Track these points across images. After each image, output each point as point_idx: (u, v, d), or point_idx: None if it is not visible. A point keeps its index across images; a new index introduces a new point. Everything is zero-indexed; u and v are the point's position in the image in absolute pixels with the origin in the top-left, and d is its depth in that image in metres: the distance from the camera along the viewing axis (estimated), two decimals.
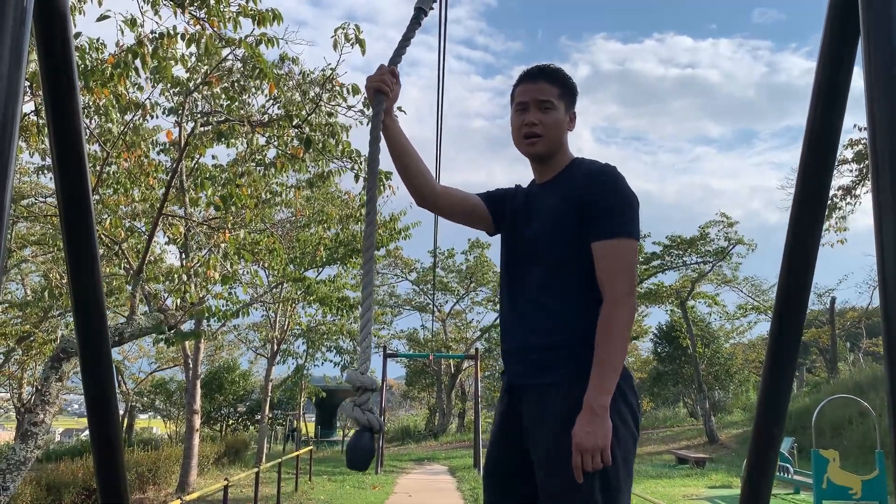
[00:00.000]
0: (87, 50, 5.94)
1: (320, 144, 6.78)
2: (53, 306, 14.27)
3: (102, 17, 5.24)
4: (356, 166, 7.42)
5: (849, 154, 16.94)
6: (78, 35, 5.81)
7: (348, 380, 1.94)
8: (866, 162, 16.34)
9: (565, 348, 2.08)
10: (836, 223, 17.08)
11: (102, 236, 7.41)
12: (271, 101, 7.37)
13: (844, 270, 56.96)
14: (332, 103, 6.98)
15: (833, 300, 30.29)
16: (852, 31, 1.47)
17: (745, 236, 25.60)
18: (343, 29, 6.05)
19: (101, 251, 8.68)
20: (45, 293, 12.53)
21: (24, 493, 10.79)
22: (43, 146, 7.07)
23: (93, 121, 7.21)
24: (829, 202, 17.19)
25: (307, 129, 6.84)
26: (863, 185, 16.70)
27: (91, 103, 6.69)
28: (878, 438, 12.00)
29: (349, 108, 6.88)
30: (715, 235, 25.98)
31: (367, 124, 6.91)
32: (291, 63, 7.56)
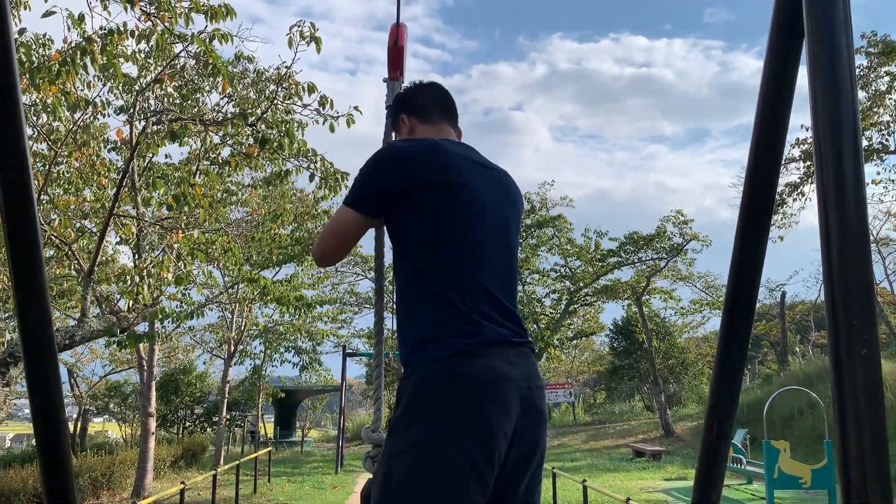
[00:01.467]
0: (34, 46, 5.78)
1: (276, 143, 6.70)
2: (1, 309, 13.87)
3: (48, 13, 5.10)
4: (312, 165, 7.35)
5: (796, 153, 17.40)
6: (23, 31, 5.66)
7: (365, 438, 2.12)
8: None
9: (408, 365, 1.97)
10: (783, 219, 17.54)
11: (52, 237, 7.22)
12: (226, 100, 7.27)
13: (795, 265, 58.58)
14: (288, 101, 6.91)
15: (783, 294, 31.09)
16: (797, 31, 1.50)
17: (700, 233, 26.11)
18: (298, 27, 6.00)
19: (50, 252, 8.48)
20: None
21: None
22: None
23: (40, 119, 7.03)
24: (778, 199, 17.64)
25: (262, 127, 6.76)
26: (810, 182, 17.14)
27: (38, 101, 6.52)
28: (827, 428, 12.34)
29: (304, 106, 6.82)
30: (670, 232, 26.45)
31: (324, 123, 6.88)
32: (247, 62, 7.48)
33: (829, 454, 11.26)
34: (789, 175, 17.96)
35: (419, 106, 2.31)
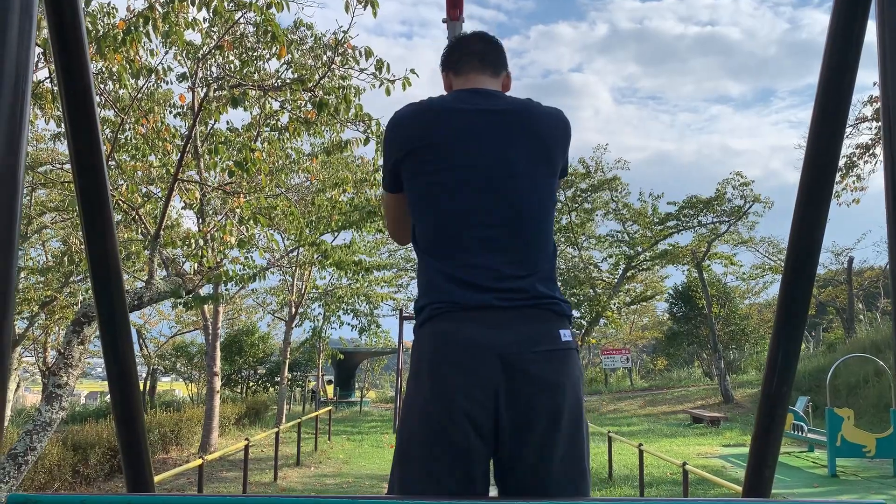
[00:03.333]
0: (99, 15, 5.93)
1: (333, 108, 6.76)
2: (74, 271, 14.47)
3: None
4: (368, 130, 7.40)
5: (868, 111, 16.67)
6: (89, 1, 5.80)
7: None
8: None
9: None
10: (853, 182, 16.86)
11: (120, 202, 7.47)
12: (284, 66, 7.35)
13: (863, 230, 56.22)
14: (345, 66, 6.95)
15: (851, 259, 30.08)
16: None
17: (761, 195, 25.44)
18: None
19: (118, 216, 8.77)
20: (65, 258, 12.69)
21: (51, 452, 11.07)
22: (58, 113, 7.10)
23: (107, 86, 7.22)
24: (847, 161, 16.95)
25: (320, 92, 6.82)
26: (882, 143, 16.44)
27: (104, 69, 6.70)
28: (894, 397, 12.00)
29: (361, 70, 6.85)
30: (731, 195, 25.83)
31: (380, 87, 6.90)
32: (306, 29, 7.52)
33: None
34: (860, 136, 17.25)
35: (453, 61, 2.22)
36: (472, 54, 2.17)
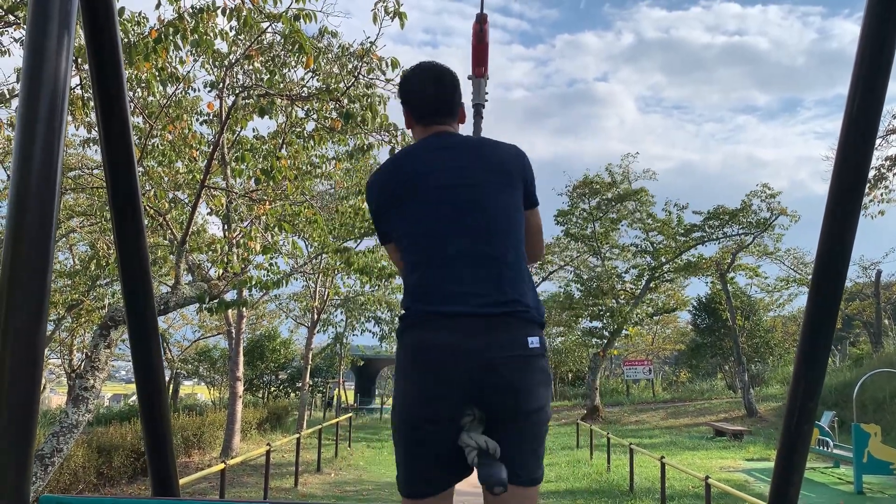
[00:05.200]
0: (129, 24, 6.03)
1: (359, 118, 6.80)
2: (101, 275, 14.66)
3: None
4: (393, 140, 7.43)
5: None
6: (122, 11, 5.90)
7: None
8: None
9: None
10: (882, 194, 16.63)
11: (147, 207, 7.56)
12: (311, 75, 7.41)
13: (893, 242, 55.23)
14: (371, 76, 6.99)
15: (879, 273, 29.62)
16: None
17: (787, 207, 25.19)
18: (383, 2, 6.04)
19: (145, 222, 8.90)
20: (93, 263, 12.85)
21: (76, 454, 11.20)
22: (88, 119, 7.22)
23: (136, 93, 7.34)
24: (875, 172, 16.68)
25: (346, 101, 6.86)
26: None
27: (133, 77, 6.80)
28: None
29: (388, 80, 6.88)
30: (757, 206, 25.60)
31: None
32: (331, 37, 7.58)
33: None
34: (889, 147, 17.00)
35: (411, 106, 2.43)
36: (432, 106, 2.37)
